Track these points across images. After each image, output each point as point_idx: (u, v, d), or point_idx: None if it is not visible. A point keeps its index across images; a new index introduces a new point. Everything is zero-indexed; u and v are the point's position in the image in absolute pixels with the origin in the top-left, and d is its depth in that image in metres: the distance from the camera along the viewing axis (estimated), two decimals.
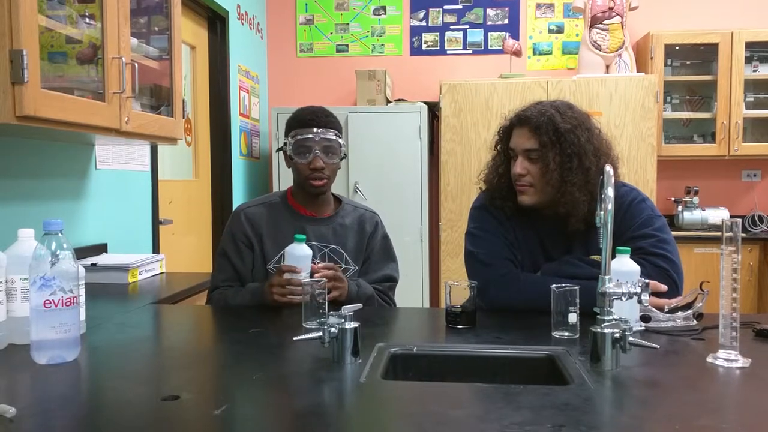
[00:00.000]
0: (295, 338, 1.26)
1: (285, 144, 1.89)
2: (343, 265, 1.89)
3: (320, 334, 1.20)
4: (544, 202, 1.68)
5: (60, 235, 1.23)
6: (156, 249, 3.01)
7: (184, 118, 2.87)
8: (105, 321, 1.61)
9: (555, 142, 1.62)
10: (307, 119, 1.87)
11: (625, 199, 1.70)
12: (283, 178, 4.15)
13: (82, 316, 1.43)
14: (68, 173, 2.39)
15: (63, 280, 1.21)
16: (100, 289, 2.09)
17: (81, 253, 2.33)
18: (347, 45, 4.72)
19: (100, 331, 1.52)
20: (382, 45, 4.70)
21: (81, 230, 2.45)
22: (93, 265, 2.23)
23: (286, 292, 1.68)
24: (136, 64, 2.04)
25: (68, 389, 1.12)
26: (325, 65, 4.73)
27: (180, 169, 3.60)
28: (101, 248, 2.52)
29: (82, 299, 1.43)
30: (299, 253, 1.70)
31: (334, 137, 1.87)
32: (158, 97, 2.43)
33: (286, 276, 1.68)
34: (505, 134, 1.75)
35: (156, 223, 3.02)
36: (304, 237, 1.72)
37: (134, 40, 2.15)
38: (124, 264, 2.26)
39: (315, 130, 1.85)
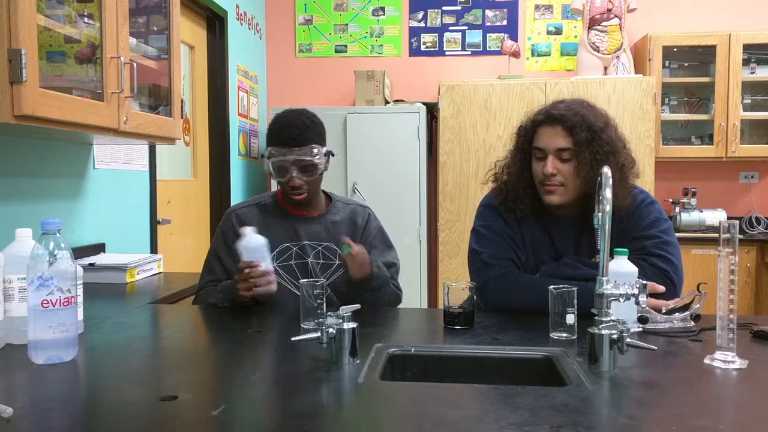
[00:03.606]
0: (293, 338, 1.26)
1: (264, 156, 1.86)
2: (338, 262, 1.89)
3: (318, 334, 1.20)
4: (571, 200, 1.68)
5: (58, 234, 1.23)
6: (154, 249, 3.01)
7: (182, 118, 2.86)
8: (103, 321, 1.61)
9: (590, 140, 1.62)
10: (285, 138, 1.79)
11: (634, 199, 1.70)
12: None
13: (80, 316, 1.43)
14: (66, 173, 2.39)
15: (61, 280, 1.21)
16: (97, 289, 2.09)
17: (79, 252, 2.33)
18: (346, 45, 4.72)
19: (98, 330, 1.51)
20: (381, 46, 4.70)
21: (79, 230, 2.45)
22: (91, 264, 2.23)
23: (250, 286, 1.67)
24: (135, 64, 2.04)
25: (66, 389, 1.11)
26: (323, 65, 4.73)
27: (178, 169, 3.60)
28: (99, 248, 2.52)
29: (80, 299, 1.43)
30: (254, 245, 1.70)
31: (310, 157, 1.79)
32: (157, 96, 2.43)
33: (246, 271, 1.67)
34: (527, 133, 1.73)
35: (154, 222, 3.02)
36: (253, 227, 1.72)
37: (133, 40, 2.15)
38: (122, 264, 2.26)
39: (292, 150, 1.78)
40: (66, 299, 1.22)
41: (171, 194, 3.32)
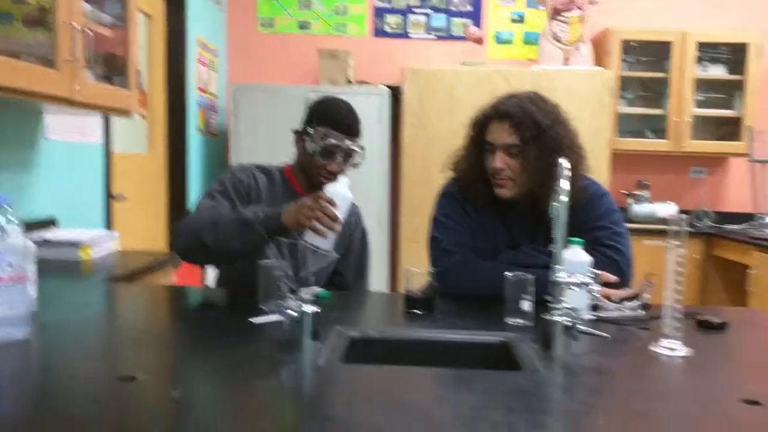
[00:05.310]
0: (253, 320, 1.25)
1: (308, 132, 1.80)
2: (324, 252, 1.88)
3: (279, 317, 1.20)
4: (522, 194, 1.71)
5: (8, 207, 1.19)
6: (109, 225, 2.94)
7: (138, 89, 2.80)
8: (56, 299, 1.57)
9: (536, 137, 1.64)
10: (344, 124, 1.81)
11: (586, 191, 1.74)
12: (242, 155, 4.07)
13: (33, 294, 1.39)
14: (15, 143, 2.30)
15: (11, 255, 1.17)
16: (50, 266, 2.02)
17: (29, 227, 2.25)
18: (309, 22, 4.65)
19: (52, 309, 1.47)
20: (345, 25, 4.66)
21: (28, 203, 2.38)
22: (44, 240, 2.17)
23: (319, 216, 1.51)
24: (89, 31, 1.97)
25: (18, 369, 1.09)
26: (286, 42, 4.66)
27: (133, 143, 3.51)
28: (50, 222, 2.45)
29: (33, 276, 1.39)
30: (342, 193, 1.58)
31: (360, 149, 1.83)
32: (112, 66, 2.35)
33: (324, 203, 1.52)
34: (479, 126, 1.75)
35: (108, 197, 2.95)
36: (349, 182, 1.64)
37: (87, 5, 2.07)
38: (76, 240, 2.20)
39: (348, 138, 1.80)
40: (17, 275, 1.18)
41: (126, 168, 3.25)
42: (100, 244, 2.32)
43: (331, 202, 1.54)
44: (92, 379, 1.04)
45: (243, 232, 1.58)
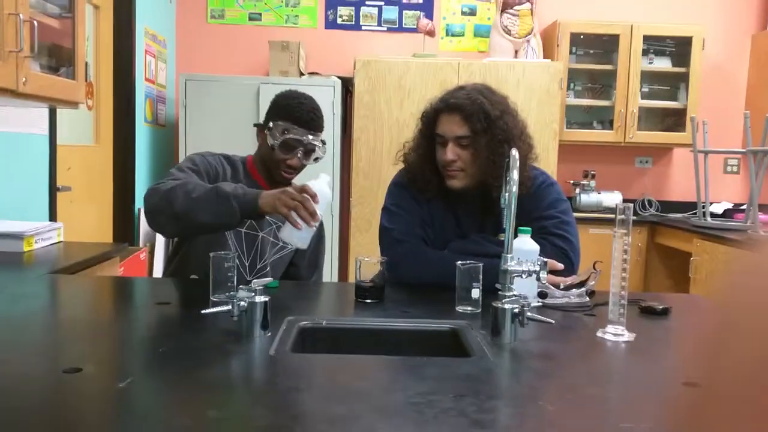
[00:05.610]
0: (203, 311, 1.24)
1: (268, 126, 1.79)
2: (285, 244, 1.87)
3: (229, 307, 1.20)
4: (473, 184, 1.73)
5: None
6: (53, 217, 2.86)
7: (87, 81, 2.72)
8: None
9: (486, 129, 1.67)
10: (305, 119, 1.80)
11: (535, 181, 1.78)
12: (191, 147, 4.01)
13: None
14: None
15: None
16: None
17: None
18: (260, 14, 4.60)
19: None
20: (297, 16, 4.62)
21: None
22: None
23: (295, 207, 1.48)
24: (35, 22, 1.92)
25: None
26: (236, 33, 4.60)
27: (80, 134, 3.41)
28: None
29: None
30: (322, 190, 1.56)
31: (321, 144, 1.83)
32: (58, 57, 2.29)
33: (306, 195, 1.50)
34: (430, 119, 1.77)
35: (53, 189, 2.87)
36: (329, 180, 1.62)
37: None
38: (18, 231, 2.13)
39: (309, 133, 1.79)
40: None
41: (72, 160, 3.16)
42: (44, 235, 2.26)
43: (314, 198, 1.51)
44: (38, 371, 1.01)
45: (217, 203, 1.52)
